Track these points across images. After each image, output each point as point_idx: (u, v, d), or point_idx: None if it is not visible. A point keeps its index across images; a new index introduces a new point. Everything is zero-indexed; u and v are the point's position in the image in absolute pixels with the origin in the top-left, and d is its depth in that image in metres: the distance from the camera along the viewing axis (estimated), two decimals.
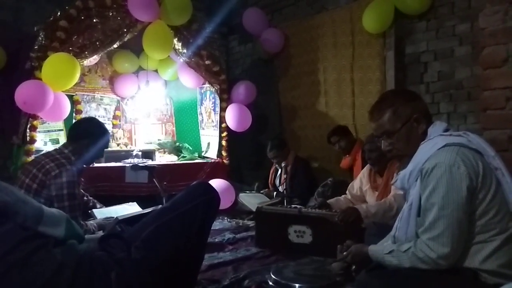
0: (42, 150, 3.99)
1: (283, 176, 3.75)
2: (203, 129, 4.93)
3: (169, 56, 4.38)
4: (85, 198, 3.00)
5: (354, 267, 1.74)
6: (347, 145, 3.67)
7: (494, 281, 1.33)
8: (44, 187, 2.31)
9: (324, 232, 2.55)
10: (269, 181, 4.21)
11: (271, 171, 4.22)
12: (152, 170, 3.10)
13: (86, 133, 2.51)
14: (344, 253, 1.75)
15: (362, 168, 3.14)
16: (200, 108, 4.96)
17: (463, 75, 3.24)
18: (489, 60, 2.61)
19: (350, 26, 3.97)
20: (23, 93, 3.33)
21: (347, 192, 2.99)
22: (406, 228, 1.50)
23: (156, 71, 5.03)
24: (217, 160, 4.44)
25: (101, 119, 4.76)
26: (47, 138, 4.31)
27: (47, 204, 2.23)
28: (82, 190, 2.87)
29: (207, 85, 4.68)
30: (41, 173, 2.33)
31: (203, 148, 4.85)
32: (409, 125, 1.54)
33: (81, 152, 2.49)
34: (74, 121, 4.54)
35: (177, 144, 4.93)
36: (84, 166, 2.56)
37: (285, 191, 3.42)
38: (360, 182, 2.91)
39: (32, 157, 3.67)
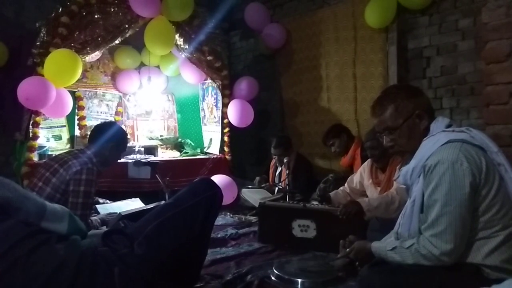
0: (44, 147, 4.02)
1: (285, 172, 3.75)
2: (205, 125, 4.94)
3: (171, 52, 4.38)
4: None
5: (357, 263, 1.74)
6: (341, 145, 3.59)
7: (497, 276, 1.34)
8: (63, 182, 2.35)
9: (328, 227, 2.56)
10: (270, 178, 4.21)
11: (271, 169, 4.22)
12: (155, 166, 3.10)
13: (109, 138, 2.55)
14: (347, 249, 1.75)
15: None
16: (202, 104, 4.96)
17: (466, 70, 3.23)
18: (492, 54, 2.60)
19: (352, 21, 3.95)
20: (25, 89, 3.33)
21: (345, 185, 2.99)
22: (409, 224, 1.50)
23: (158, 67, 5.03)
24: (219, 156, 4.45)
25: (103, 115, 4.85)
26: (49, 134, 4.32)
27: (62, 199, 2.27)
28: None
29: (209, 81, 4.68)
30: (63, 169, 2.38)
31: (205, 144, 4.85)
32: (411, 121, 1.54)
33: (102, 154, 2.54)
34: (76, 117, 4.56)
35: (179, 140, 4.94)
36: (103, 168, 2.60)
37: (287, 187, 3.42)
38: (361, 176, 2.91)
39: (35, 153, 3.70)
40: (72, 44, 3.63)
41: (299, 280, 2.04)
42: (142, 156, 4.29)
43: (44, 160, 3.43)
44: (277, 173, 4.11)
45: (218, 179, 3.81)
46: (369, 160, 2.86)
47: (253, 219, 3.57)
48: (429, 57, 3.45)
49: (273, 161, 4.16)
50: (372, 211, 2.48)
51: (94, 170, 2.43)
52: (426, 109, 1.56)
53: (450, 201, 1.35)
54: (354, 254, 1.71)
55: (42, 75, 3.46)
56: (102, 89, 4.92)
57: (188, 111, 5.19)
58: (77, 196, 2.34)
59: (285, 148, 3.90)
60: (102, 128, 2.66)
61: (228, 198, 3.88)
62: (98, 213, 2.89)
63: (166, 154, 4.67)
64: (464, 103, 3.26)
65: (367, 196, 2.84)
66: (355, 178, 2.95)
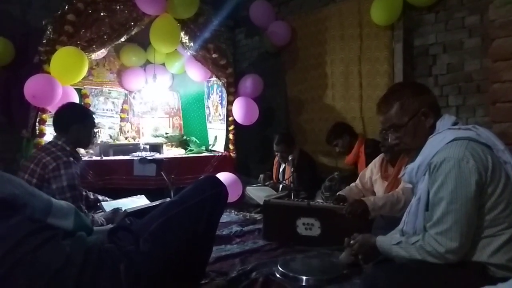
0: None
1: (290, 169, 3.75)
2: (210, 122, 4.94)
3: (176, 49, 4.38)
4: (84, 193, 2.96)
5: (361, 256, 1.73)
6: (344, 145, 3.56)
7: (502, 275, 1.33)
8: (44, 181, 2.32)
9: (333, 225, 2.56)
10: (273, 175, 4.21)
11: (275, 166, 4.22)
12: (160, 163, 3.12)
13: (73, 120, 2.49)
14: (352, 241, 1.74)
15: (366, 165, 3.11)
16: (207, 101, 4.96)
17: (472, 67, 3.21)
18: (498, 52, 2.58)
19: (358, 18, 3.94)
20: (32, 87, 3.35)
21: (357, 180, 2.97)
22: (414, 222, 1.49)
23: (163, 64, 5.04)
24: (224, 154, 4.46)
25: (109, 113, 4.87)
26: None
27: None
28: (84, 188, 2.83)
29: (214, 78, 4.68)
30: (39, 168, 2.33)
31: (210, 142, 4.86)
32: (417, 119, 1.53)
33: (74, 139, 2.49)
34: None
35: (185, 137, 4.95)
36: (82, 148, 2.52)
37: (292, 185, 3.42)
38: (371, 171, 2.90)
39: None
40: (78, 42, 3.65)
41: (304, 278, 2.04)
42: (148, 154, 4.31)
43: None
44: (281, 170, 4.11)
45: (223, 176, 3.82)
46: (381, 154, 2.86)
47: (258, 216, 3.57)
48: (435, 55, 3.43)
49: (276, 158, 4.16)
50: (377, 210, 2.48)
51: (70, 161, 2.37)
52: (432, 107, 1.55)
53: (456, 199, 1.34)
54: (358, 247, 1.71)
55: (49, 73, 3.48)
56: (107, 86, 4.94)
57: (193, 109, 5.20)
58: (63, 192, 2.30)
59: (287, 145, 3.90)
60: (60, 114, 2.56)
61: (233, 196, 3.88)
62: (104, 210, 2.89)
63: (171, 152, 4.69)
64: (471, 101, 3.24)
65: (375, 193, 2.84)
66: (367, 173, 2.94)
